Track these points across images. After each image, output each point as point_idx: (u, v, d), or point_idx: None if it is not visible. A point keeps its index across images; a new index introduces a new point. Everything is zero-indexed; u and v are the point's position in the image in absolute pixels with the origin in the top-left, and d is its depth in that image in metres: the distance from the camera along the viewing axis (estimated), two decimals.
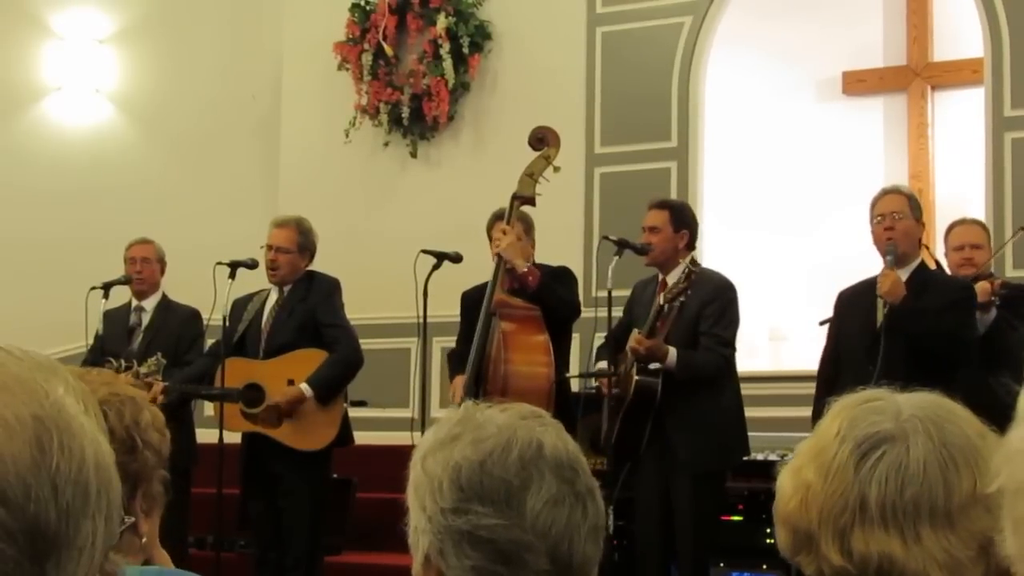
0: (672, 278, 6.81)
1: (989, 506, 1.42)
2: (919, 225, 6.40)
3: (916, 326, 6.02)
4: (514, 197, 7.02)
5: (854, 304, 6.42)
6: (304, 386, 7.22)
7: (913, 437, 1.81)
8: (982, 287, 6.61)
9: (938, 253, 7.62)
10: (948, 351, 6.03)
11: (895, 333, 6.03)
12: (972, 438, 1.82)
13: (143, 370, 7.35)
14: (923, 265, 6.40)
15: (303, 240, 7.52)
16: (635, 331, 6.53)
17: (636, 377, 6.57)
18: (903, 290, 6.06)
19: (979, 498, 1.74)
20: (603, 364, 6.91)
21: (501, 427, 1.89)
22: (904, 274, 6.23)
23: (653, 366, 6.58)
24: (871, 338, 6.13)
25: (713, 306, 6.64)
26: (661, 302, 6.38)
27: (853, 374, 5.82)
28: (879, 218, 6.32)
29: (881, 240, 6.29)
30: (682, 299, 6.38)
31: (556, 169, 7.05)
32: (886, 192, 6.53)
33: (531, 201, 7.03)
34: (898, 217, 6.26)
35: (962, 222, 7.35)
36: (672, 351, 6.48)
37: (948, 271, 7.04)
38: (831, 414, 1.90)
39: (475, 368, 6.83)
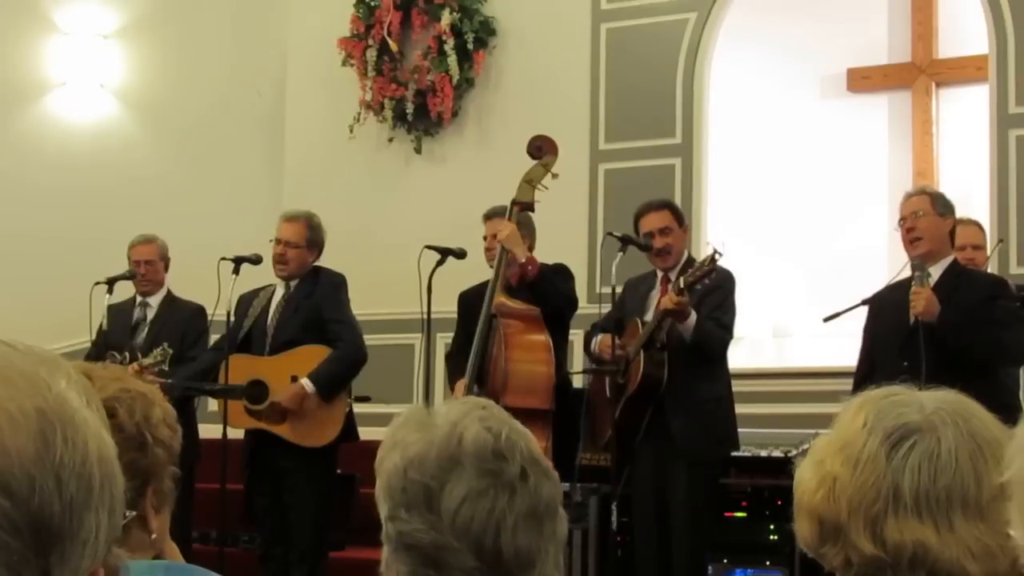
0: (673, 273, 6.82)
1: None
2: (945, 220, 6.37)
3: (956, 340, 6.01)
4: (513, 203, 7.07)
5: (888, 303, 6.40)
6: (306, 381, 7.21)
7: (942, 429, 1.82)
8: None
9: None
10: (989, 354, 6.03)
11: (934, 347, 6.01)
12: (996, 433, 1.83)
13: (147, 361, 7.35)
14: (955, 261, 6.40)
15: (312, 235, 7.51)
16: (669, 293, 6.50)
17: (642, 368, 6.58)
18: (937, 307, 6.03)
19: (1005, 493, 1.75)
20: (598, 338, 6.92)
21: (430, 428, 1.88)
22: (936, 271, 6.23)
23: (657, 362, 6.60)
24: (904, 336, 6.11)
25: (715, 295, 6.64)
26: (682, 285, 6.35)
27: (886, 372, 5.82)
28: (902, 221, 6.34)
29: (905, 242, 6.32)
30: (706, 282, 6.37)
31: (554, 176, 7.09)
32: (909, 195, 6.56)
33: (530, 207, 7.09)
34: (919, 215, 6.28)
35: (961, 222, 7.34)
36: (694, 313, 6.49)
37: None
38: (853, 408, 1.90)
39: (475, 368, 6.85)
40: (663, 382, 6.59)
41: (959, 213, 7.50)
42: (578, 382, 7.38)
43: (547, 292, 6.89)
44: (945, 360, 5.77)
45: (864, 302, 6.67)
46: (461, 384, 6.94)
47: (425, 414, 1.92)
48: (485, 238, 7.25)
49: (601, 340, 6.83)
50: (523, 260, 6.88)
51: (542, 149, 7.20)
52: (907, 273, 6.33)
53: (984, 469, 1.80)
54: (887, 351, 6.28)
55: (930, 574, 1.79)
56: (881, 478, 1.81)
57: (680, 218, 6.98)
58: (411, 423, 1.91)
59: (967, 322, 6.03)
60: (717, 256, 6.30)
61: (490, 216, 7.24)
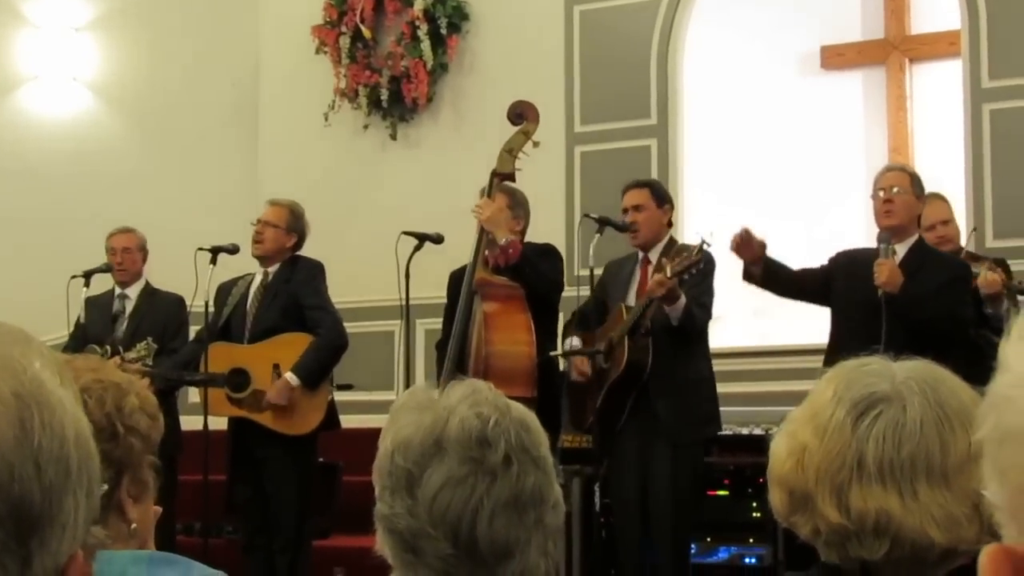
0: (654, 255, 6.80)
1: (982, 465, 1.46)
2: (919, 202, 6.45)
3: (916, 313, 6.05)
4: (493, 174, 6.97)
5: (856, 269, 6.38)
6: (290, 375, 7.19)
7: (909, 397, 1.83)
8: (991, 280, 6.65)
9: None
10: (946, 330, 6.06)
11: (895, 318, 6.06)
12: (965, 401, 1.84)
13: (131, 355, 7.33)
14: (921, 241, 6.45)
15: (292, 220, 7.52)
16: (658, 274, 6.47)
17: (627, 355, 6.56)
18: (900, 278, 6.09)
19: (974, 458, 1.76)
20: (574, 341, 6.87)
21: (424, 411, 1.89)
22: (902, 249, 6.29)
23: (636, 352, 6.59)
24: (871, 314, 6.12)
25: (696, 276, 6.62)
26: (670, 273, 6.32)
27: (853, 346, 5.84)
28: (880, 192, 6.40)
29: (880, 213, 6.36)
30: (693, 272, 6.35)
31: (535, 144, 7.00)
32: (889, 168, 6.67)
33: (511, 177, 6.96)
34: (897, 191, 6.33)
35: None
36: (683, 296, 6.48)
37: None
38: (825, 380, 1.92)
39: (457, 348, 6.80)
40: (648, 367, 6.57)
41: (937, 187, 7.51)
42: (562, 364, 7.34)
43: (529, 278, 6.78)
44: (909, 334, 5.80)
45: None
46: None
47: (426, 396, 1.92)
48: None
49: (579, 365, 6.83)
50: (503, 243, 6.76)
51: (523, 115, 7.06)
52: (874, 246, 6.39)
53: (950, 438, 1.81)
54: (855, 327, 6.31)
55: (894, 541, 1.80)
56: (846, 447, 1.82)
57: (660, 197, 6.94)
58: (409, 405, 1.92)
59: (929, 296, 6.07)
60: (705, 246, 6.29)
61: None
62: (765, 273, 6.47)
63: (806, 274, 6.62)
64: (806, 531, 1.88)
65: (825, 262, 6.64)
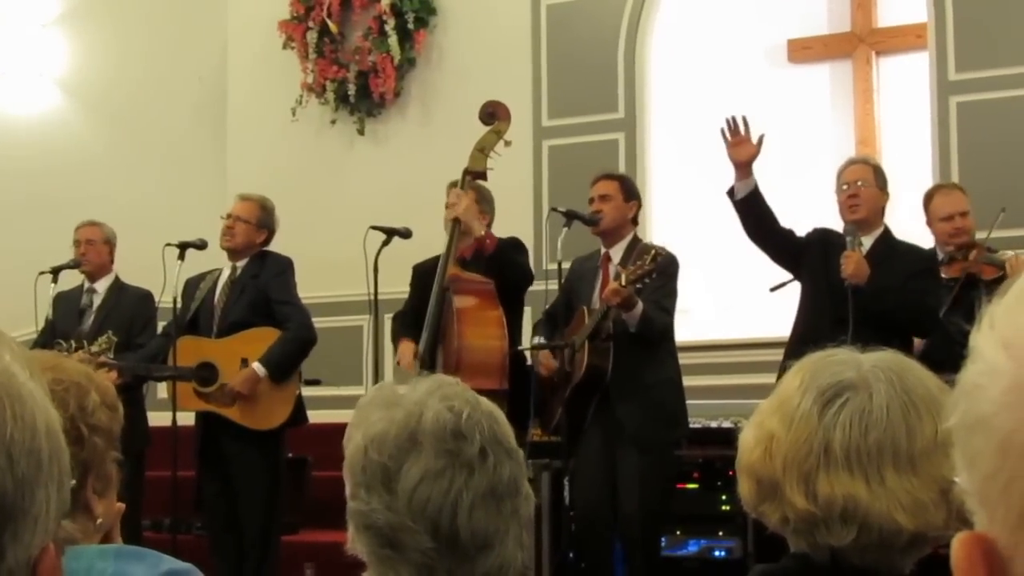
0: (616, 252, 6.80)
1: (949, 452, 1.47)
2: (883, 194, 6.49)
3: (882, 304, 6.06)
4: (466, 172, 7.01)
5: (829, 251, 6.37)
6: (257, 365, 7.18)
7: (876, 385, 1.84)
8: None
9: (900, 219, 7.53)
10: (916, 320, 6.09)
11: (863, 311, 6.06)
12: (932, 389, 1.85)
13: (94, 348, 7.30)
14: (887, 232, 6.47)
15: (263, 216, 7.51)
16: (613, 282, 6.46)
17: (587, 359, 6.55)
18: (867, 270, 6.11)
19: (940, 444, 1.77)
20: (539, 340, 6.88)
21: (394, 407, 1.89)
22: (868, 241, 6.33)
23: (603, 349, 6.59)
24: (839, 300, 6.13)
25: (658, 279, 6.60)
26: (624, 283, 6.32)
27: (824, 327, 5.86)
28: (844, 186, 6.43)
29: (845, 208, 6.39)
30: (647, 281, 6.33)
31: (507, 143, 7.04)
32: (852, 162, 6.70)
33: (483, 176, 7.01)
34: (862, 185, 6.37)
35: (941, 189, 7.30)
36: (640, 303, 6.47)
37: (935, 241, 7.02)
38: (793, 371, 1.93)
39: (429, 343, 6.81)
40: (608, 372, 6.56)
41: (904, 180, 7.53)
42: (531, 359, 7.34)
43: (505, 268, 6.82)
44: (877, 324, 5.81)
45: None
46: (408, 346, 6.89)
47: (392, 392, 1.92)
48: (448, 206, 7.13)
49: (544, 361, 6.83)
50: (481, 234, 6.82)
51: (494, 115, 7.12)
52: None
53: (917, 424, 1.82)
54: (821, 309, 6.32)
55: (862, 527, 1.81)
56: (813, 434, 1.83)
57: (628, 192, 6.95)
58: (377, 401, 1.91)
59: (896, 287, 6.09)
60: (659, 254, 6.30)
61: (455, 184, 7.15)
62: (750, 199, 6.45)
63: (788, 233, 6.59)
64: (775, 520, 1.89)
65: (803, 234, 6.64)
